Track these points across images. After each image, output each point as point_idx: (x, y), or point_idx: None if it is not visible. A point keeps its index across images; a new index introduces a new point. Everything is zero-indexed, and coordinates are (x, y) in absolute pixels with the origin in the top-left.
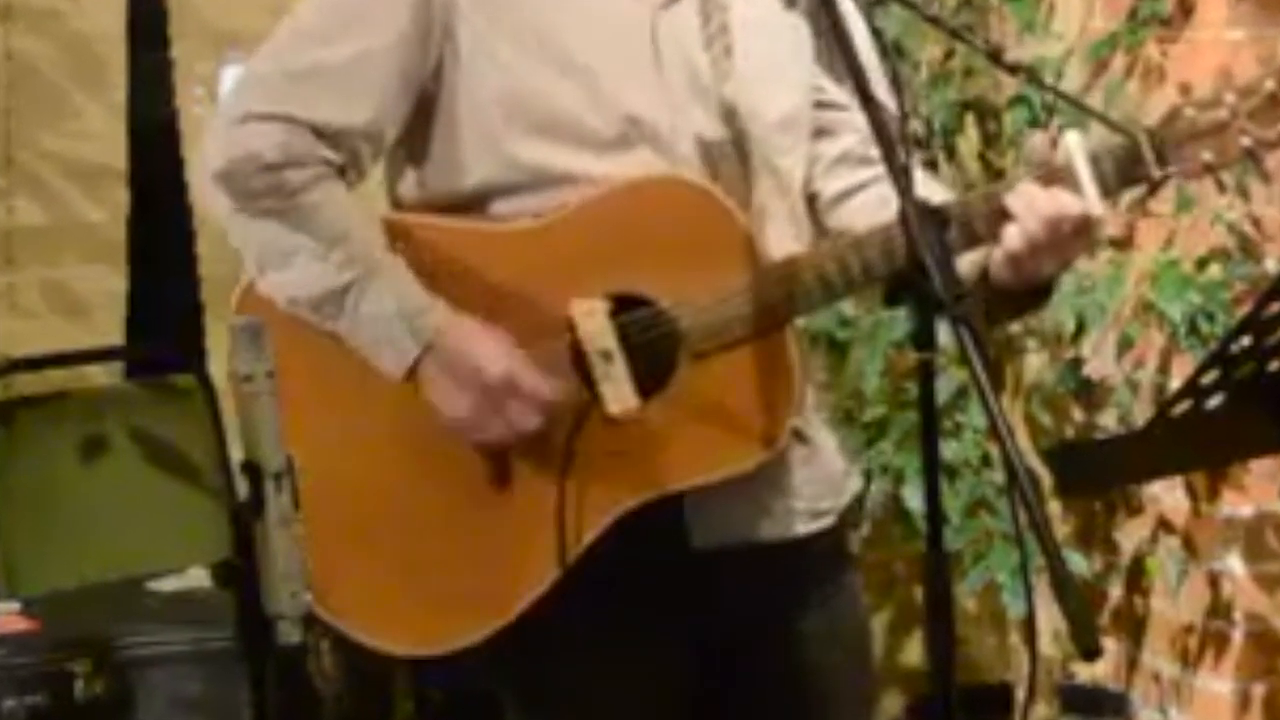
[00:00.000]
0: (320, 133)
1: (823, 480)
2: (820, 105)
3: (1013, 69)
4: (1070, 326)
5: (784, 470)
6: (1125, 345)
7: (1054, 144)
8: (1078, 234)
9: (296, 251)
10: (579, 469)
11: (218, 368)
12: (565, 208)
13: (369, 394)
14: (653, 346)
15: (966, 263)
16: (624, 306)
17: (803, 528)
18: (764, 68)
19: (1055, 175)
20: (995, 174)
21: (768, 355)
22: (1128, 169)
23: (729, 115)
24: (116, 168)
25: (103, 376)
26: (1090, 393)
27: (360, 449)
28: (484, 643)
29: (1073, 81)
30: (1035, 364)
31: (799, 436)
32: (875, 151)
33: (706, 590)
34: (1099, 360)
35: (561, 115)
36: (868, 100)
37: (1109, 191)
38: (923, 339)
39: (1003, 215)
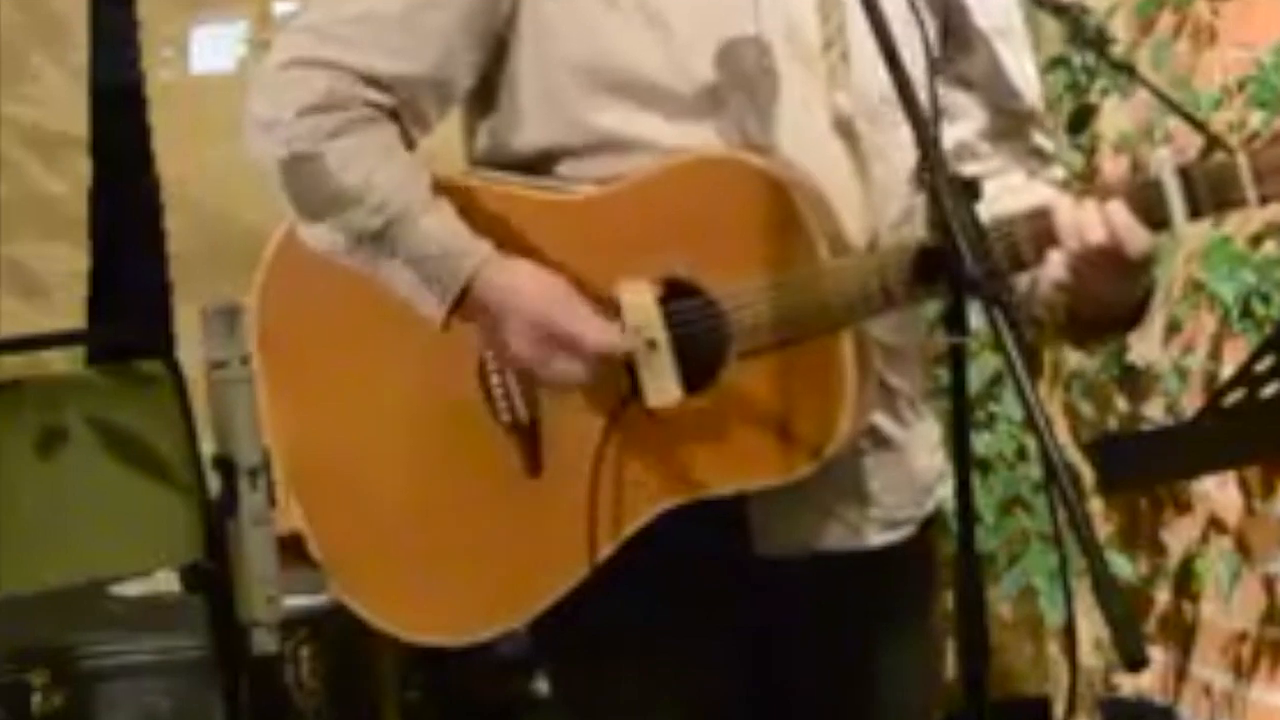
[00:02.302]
0: (370, 80)
1: (905, 487)
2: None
3: (1117, 64)
4: None
5: (860, 475)
6: (1173, 328)
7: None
8: (1138, 268)
9: (334, 196)
10: (614, 462)
11: (188, 353)
12: (624, 181)
13: (401, 368)
14: (700, 339)
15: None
16: (674, 293)
17: (877, 538)
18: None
19: (1142, 192)
20: None
21: (821, 360)
22: (1221, 191)
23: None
24: (77, 135)
25: (62, 363)
26: (1135, 380)
27: (390, 426)
28: (535, 646)
29: (1117, 40)
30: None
31: (880, 439)
32: (986, 146)
33: (769, 599)
34: (1144, 345)
35: (638, 76)
36: (893, 65)
37: (1199, 213)
38: (954, 322)
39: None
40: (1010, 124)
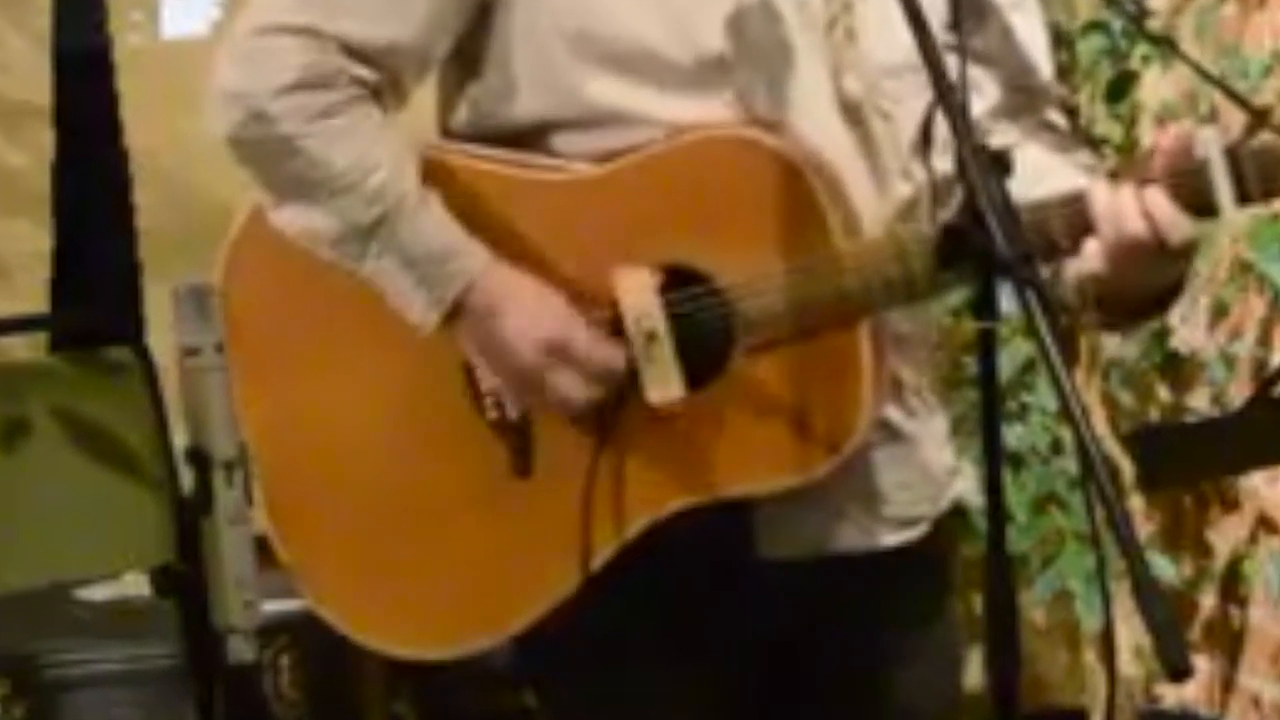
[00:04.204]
0: (352, 50)
1: (918, 483)
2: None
3: (1154, 37)
4: None
5: (869, 472)
6: (1219, 312)
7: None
8: (1178, 255)
9: (317, 184)
10: (611, 464)
11: (158, 338)
12: (623, 159)
13: (380, 357)
14: (705, 330)
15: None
16: (677, 281)
17: (890, 538)
18: (880, 10)
19: (1184, 176)
20: (1066, 111)
21: (836, 352)
22: (1272, 176)
23: (837, 61)
24: (40, 105)
25: (24, 349)
26: (1178, 368)
27: (365, 421)
28: (518, 655)
29: (1158, 7)
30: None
31: (891, 432)
32: (996, 124)
33: (775, 605)
34: (1189, 330)
35: (633, 45)
36: (920, 28)
37: (1248, 200)
38: (983, 306)
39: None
40: (1023, 100)
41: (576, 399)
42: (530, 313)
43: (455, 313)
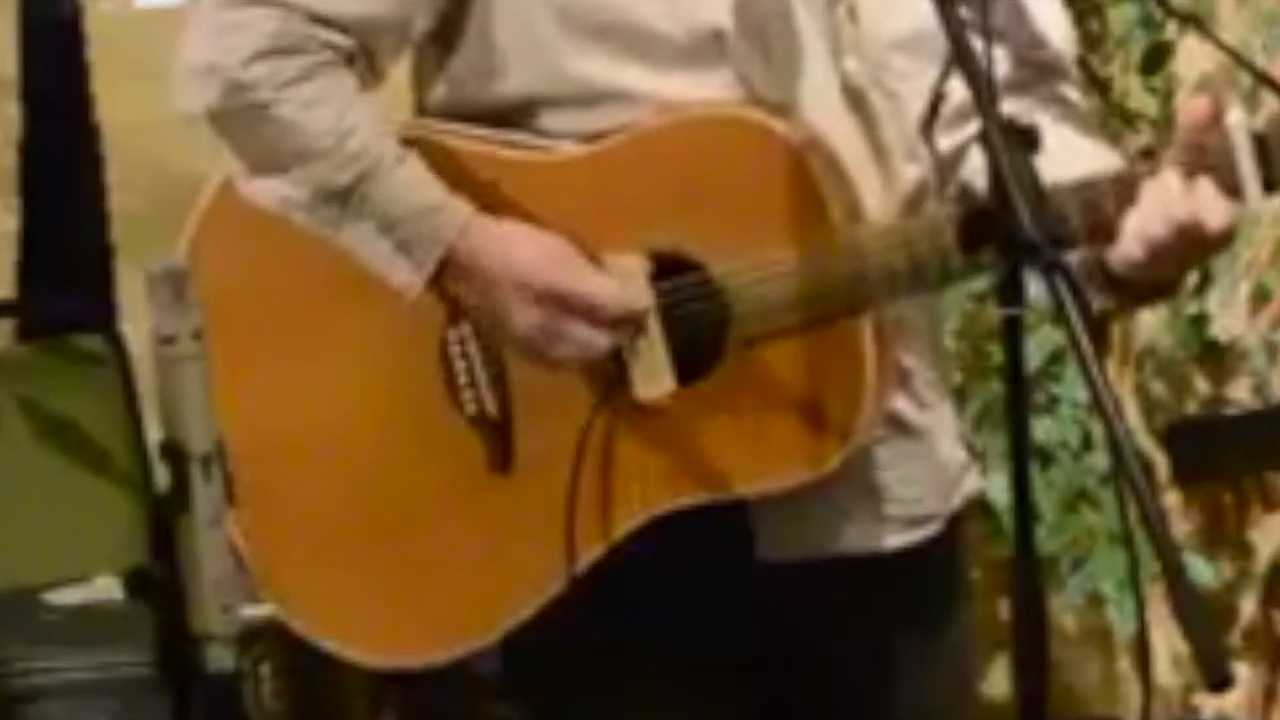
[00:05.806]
0: (323, 20)
1: (928, 479)
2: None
3: (1180, 15)
4: (1192, 276)
5: (874, 468)
6: (1261, 298)
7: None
8: (1213, 244)
9: (292, 152)
10: (597, 461)
11: (133, 326)
12: (612, 139)
13: (353, 347)
14: (697, 322)
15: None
16: (668, 269)
17: (895, 540)
18: None
19: (1208, 159)
20: (1099, 84)
21: (836, 346)
22: None
23: (844, 29)
24: (6, 77)
25: None
26: (1217, 358)
27: (338, 414)
28: (507, 666)
29: None
30: (1149, 322)
31: (900, 425)
32: (1008, 98)
33: (775, 611)
34: (1228, 317)
35: (626, 18)
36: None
37: (1275, 187)
38: (1009, 291)
39: (1128, 204)
40: (1031, 75)
41: (597, 350)
42: (531, 264)
43: (444, 272)
